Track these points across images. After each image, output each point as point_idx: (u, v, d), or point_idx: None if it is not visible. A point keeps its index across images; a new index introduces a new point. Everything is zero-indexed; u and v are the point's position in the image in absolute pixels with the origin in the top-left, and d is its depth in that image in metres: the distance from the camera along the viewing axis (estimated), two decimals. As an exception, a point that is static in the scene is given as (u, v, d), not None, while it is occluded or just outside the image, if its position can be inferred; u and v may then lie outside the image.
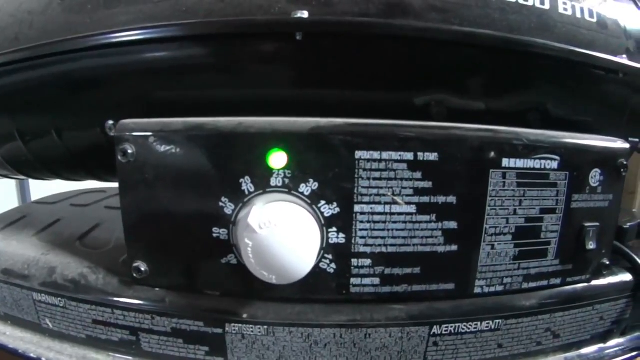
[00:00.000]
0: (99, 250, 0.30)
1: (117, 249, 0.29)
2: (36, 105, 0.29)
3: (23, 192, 0.98)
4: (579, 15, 0.28)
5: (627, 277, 0.30)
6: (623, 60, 0.28)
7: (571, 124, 0.29)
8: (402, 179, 0.22)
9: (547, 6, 0.28)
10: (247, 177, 0.22)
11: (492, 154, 0.23)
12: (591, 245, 0.27)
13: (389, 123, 0.22)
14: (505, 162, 0.23)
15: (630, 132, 0.31)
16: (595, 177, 0.26)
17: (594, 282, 0.29)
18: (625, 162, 0.28)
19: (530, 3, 0.27)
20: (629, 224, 0.33)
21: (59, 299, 0.28)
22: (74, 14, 0.27)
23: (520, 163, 0.24)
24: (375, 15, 0.23)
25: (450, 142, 0.22)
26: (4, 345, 0.30)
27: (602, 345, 0.30)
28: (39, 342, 0.29)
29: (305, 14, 0.22)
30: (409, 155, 0.22)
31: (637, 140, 0.32)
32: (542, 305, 0.27)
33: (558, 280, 0.27)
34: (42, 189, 0.53)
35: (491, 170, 0.23)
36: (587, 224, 0.26)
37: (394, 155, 0.22)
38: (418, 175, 0.22)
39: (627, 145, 0.28)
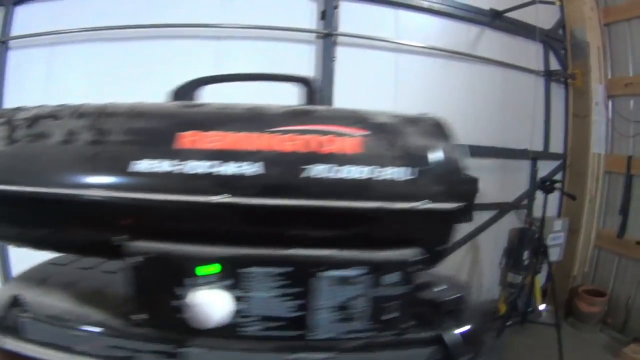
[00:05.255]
0: (112, 304, 0.71)
1: (123, 305, 0.70)
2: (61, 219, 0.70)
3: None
4: (399, 178, 0.67)
5: (430, 332, 0.69)
6: (422, 205, 0.67)
7: (390, 241, 0.68)
8: (270, 279, 0.62)
9: (372, 175, 0.66)
10: (189, 278, 0.62)
11: (318, 268, 0.62)
12: (390, 316, 0.65)
13: (261, 254, 0.62)
14: (327, 273, 0.63)
15: (435, 243, 0.70)
16: (391, 277, 0.65)
17: (401, 336, 0.67)
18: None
19: (352, 176, 0.66)
20: (444, 299, 0.72)
21: (91, 334, 0.69)
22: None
23: (336, 272, 0.63)
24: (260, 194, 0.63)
25: (295, 261, 0.62)
26: (47, 360, 0.72)
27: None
28: (70, 358, 0.71)
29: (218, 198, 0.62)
30: (275, 270, 0.62)
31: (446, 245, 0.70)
32: (361, 347, 0.66)
33: (371, 334, 0.66)
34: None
35: (318, 274, 0.62)
36: (386, 304, 0.65)
37: (267, 269, 0.61)
38: (281, 277, 0.62)
39: (419, 256, 0.66)
